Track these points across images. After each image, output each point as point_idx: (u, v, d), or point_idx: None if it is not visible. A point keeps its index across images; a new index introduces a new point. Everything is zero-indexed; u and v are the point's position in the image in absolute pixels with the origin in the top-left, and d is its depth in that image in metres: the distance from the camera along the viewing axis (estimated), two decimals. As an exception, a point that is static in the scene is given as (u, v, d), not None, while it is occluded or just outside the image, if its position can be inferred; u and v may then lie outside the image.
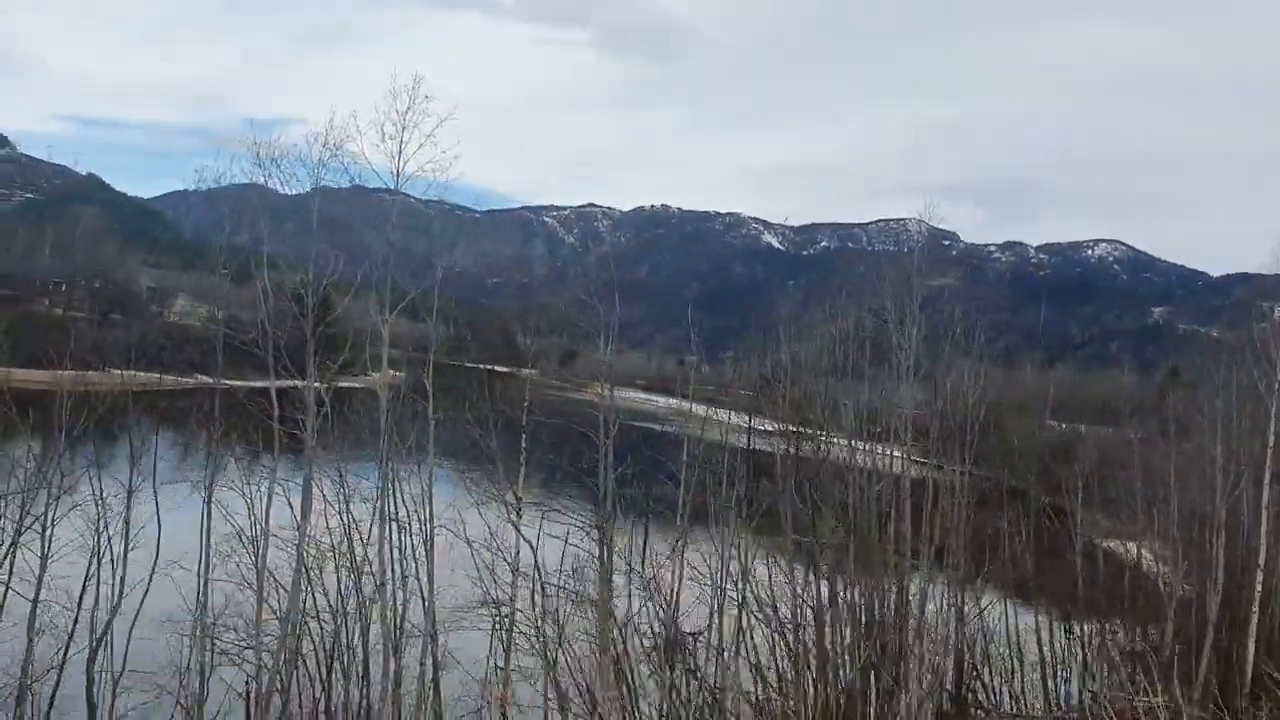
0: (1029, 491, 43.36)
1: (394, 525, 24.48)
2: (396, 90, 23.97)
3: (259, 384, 23.66)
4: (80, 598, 22.90)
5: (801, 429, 36.47)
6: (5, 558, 21.29)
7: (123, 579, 23.31)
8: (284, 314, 24.18)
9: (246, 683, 22.80)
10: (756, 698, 30.54)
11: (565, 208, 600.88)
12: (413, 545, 25.05)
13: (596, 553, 26.73)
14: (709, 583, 29.99)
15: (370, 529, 24.54)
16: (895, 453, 34.25)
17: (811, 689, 30.34)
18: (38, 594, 21.42)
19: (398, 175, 24.25)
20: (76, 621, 22.80)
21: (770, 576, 31.76)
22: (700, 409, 38.34)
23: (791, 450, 34.18)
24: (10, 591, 21.60)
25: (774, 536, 32.70)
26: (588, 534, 27.10)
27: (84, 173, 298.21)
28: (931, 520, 33.30)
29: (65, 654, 22.48)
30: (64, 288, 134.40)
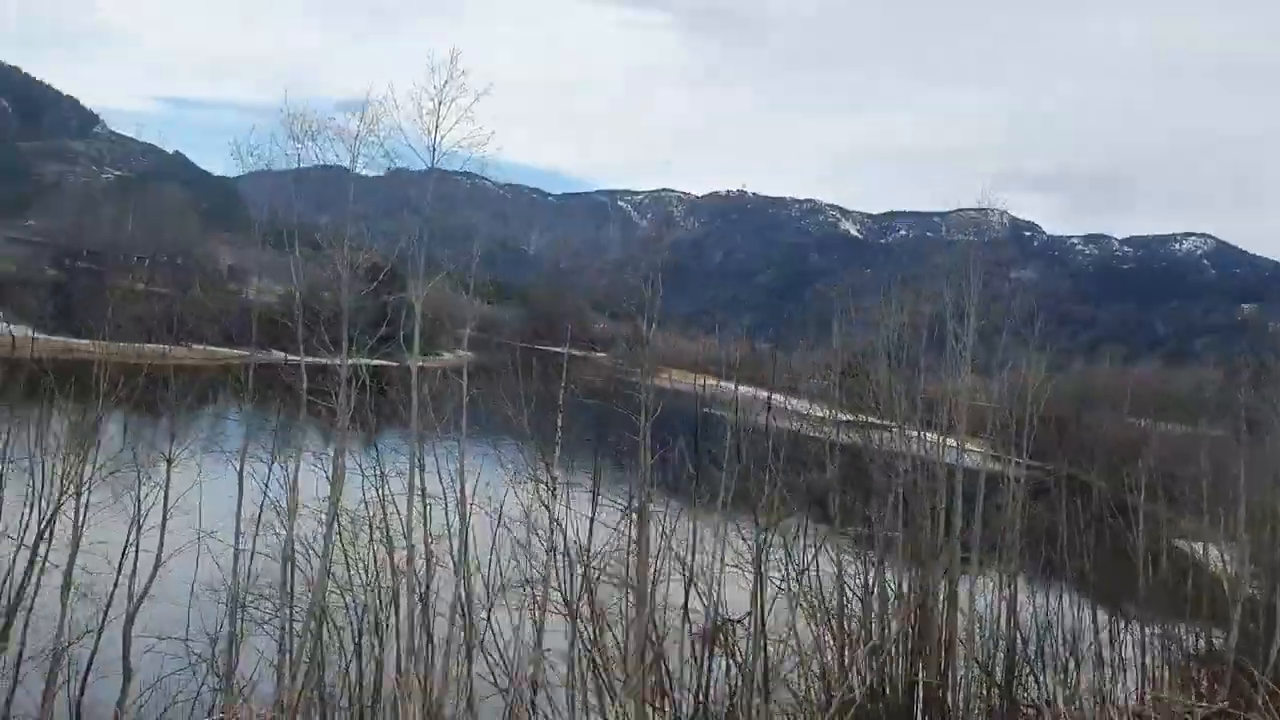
0: (1092, 487, 42.18)
1: (429, 501, 24.48)
2: (435, 65, 23.82)
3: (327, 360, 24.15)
4: (120, 564, 23.29)
5: (856, 416, 35.91)
6: (47, 525, 21.70)
7: (161, 546, 23.66)
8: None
9: (278, 651, 23.00)
10: (803, 686, 30.12)
11: (640, 192, 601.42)
12: (447, 521, 24.99)
13: (634, 535, 26.47)
14: (752, 568, 29.59)
15: (408, 504, 24.57)
16: (950, 442, 33.54)
17: (857, 678, 29.87)
18: (73, 559, 21.82)
19: (433, 151, 24.13)
20: (115, 586, 23.20)
21: (817, 564, 31.29)
22: (754, 393, 37.91)
23: (843, 437, 33.68)
24: (50, 557, 21.97)
25: (822, 524, 32.20)
26: (626, 515, 26.85)
27: (171, 151, 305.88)
28: (986, 512, 32.59)
29: (104, 618, 22.90)
30: (146, 264, 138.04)
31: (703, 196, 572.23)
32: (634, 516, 26.18)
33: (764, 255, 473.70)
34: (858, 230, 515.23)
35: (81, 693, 21.91)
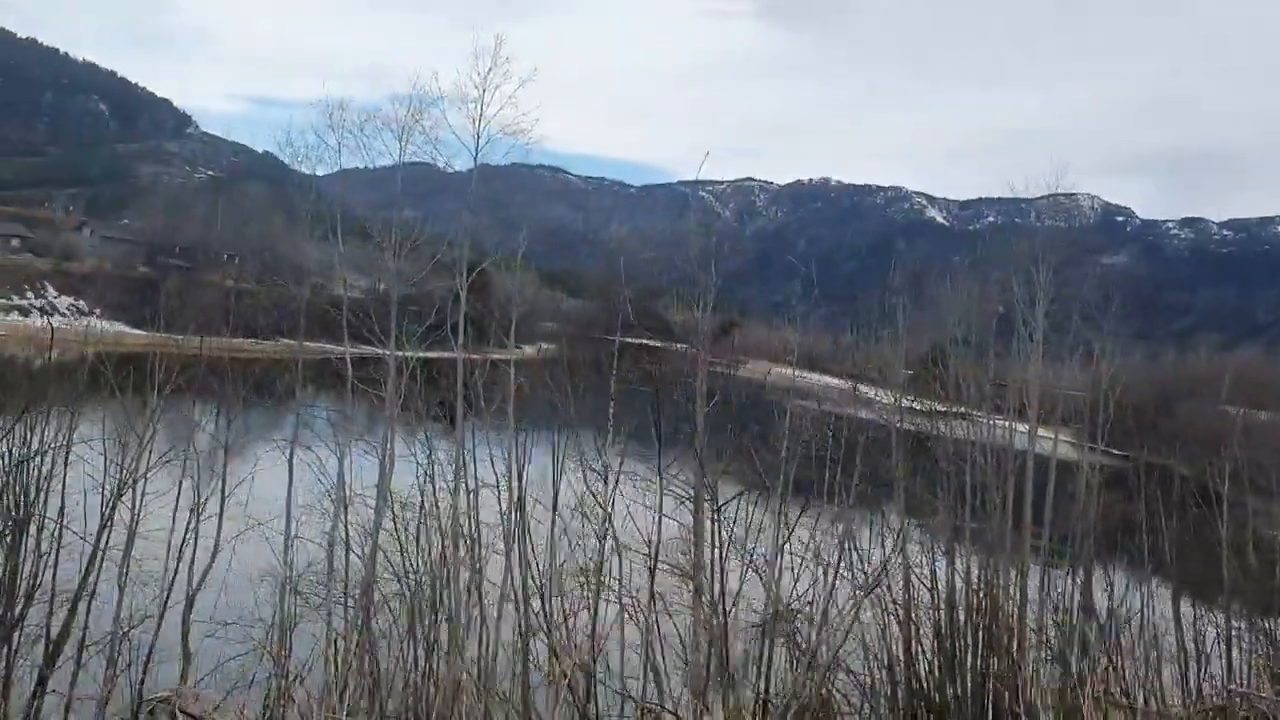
0: (1174, 475, 40.74)
1: (481, 490, 24.56)
2: (479, 51, 23.76)
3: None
4: (180, 550, 23.73)
5: (920, 401, 35.15)
6: (111, 509, 22.15)
7: (219, 532, 24.12)
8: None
9: (328, 638, 23.25)
10: (869, 676, 29.62)
11: (721, 182, 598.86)
12: (500, 510, 25.01)
13: (690, 523, 26.24)
14: (815, 558, 29.19)
15: (461, 493, 24.65)
16: (1020, 428, 32.68)
17: (924, 670, 29.31)
18: (129, 546, 22.29)
19: (477, 138, 24.11)
20: (175, 574, 23.65)
21: (884, 554, 30.72)
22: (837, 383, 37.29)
23: (909, 426, 32.96)
24: (114, 544, 22.44)
25: (886, 512, 31.60)
26: (683, 504, 26.62)
27: (260, 150, 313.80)
28: (1058, 500, 31.72)
29: (165, 603, 23.37)
30: (236, 260, 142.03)
31: (785, 185, 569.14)
32: (691, 504, 25.87)
33: (848, 244, 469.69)
34: (944, 217, 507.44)
35: (143, 677, 22.39)
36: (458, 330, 24.06)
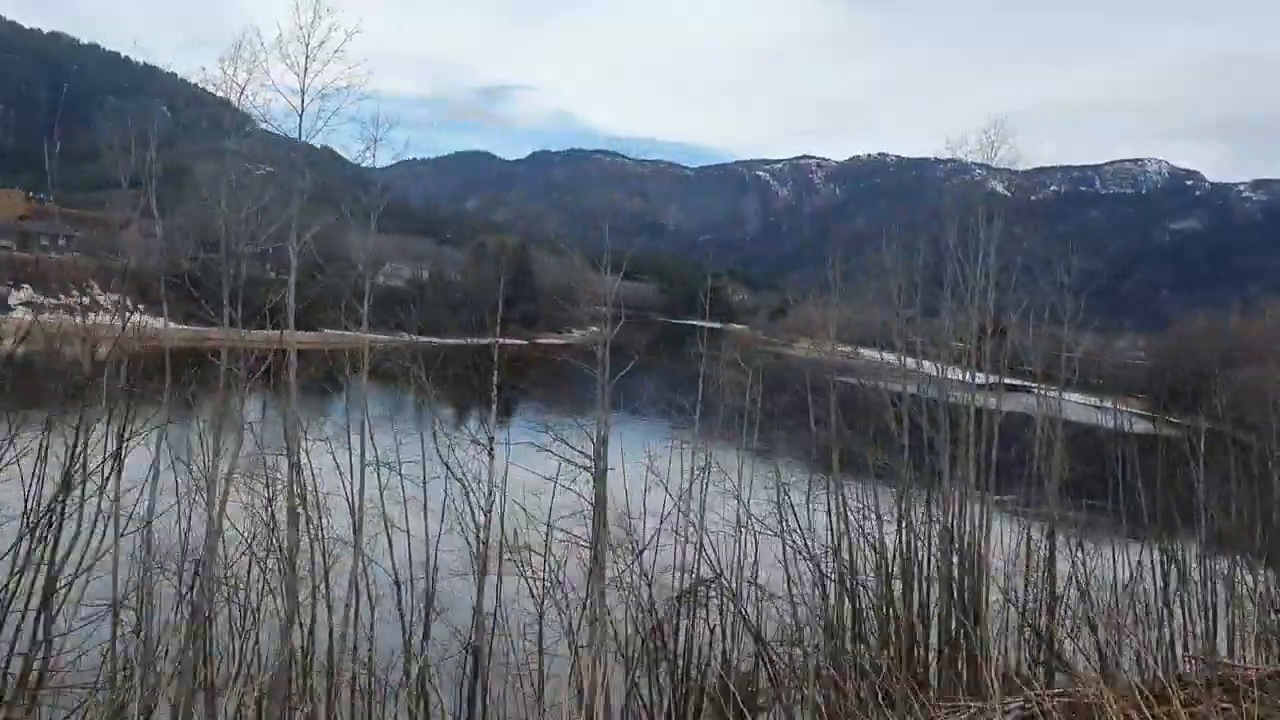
0: (1157, 429, 39.91)
1: (366, 471, 23.24)
2: (299, 4, 21.29)
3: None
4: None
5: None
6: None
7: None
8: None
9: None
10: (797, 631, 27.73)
11: (778, 160, 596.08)
12: (380, 489, 23.76)
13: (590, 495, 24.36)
14: (748, 518, 28.17)
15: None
16: (954, 374, 31.91)
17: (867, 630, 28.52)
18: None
19: (302, 95, 22.26)
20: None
21: (809, 512, 29.23)
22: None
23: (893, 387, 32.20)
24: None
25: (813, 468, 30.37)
26: (585, 472, 24.46)
27: (319, 145, 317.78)
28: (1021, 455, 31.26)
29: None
30: (271, 252, 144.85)
31: (843, 161, 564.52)
32: (593, 475, 24.05)
33: (907, 219, 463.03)
34: (1005, 188, 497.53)
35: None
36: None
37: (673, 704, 23.53)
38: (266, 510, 23.58)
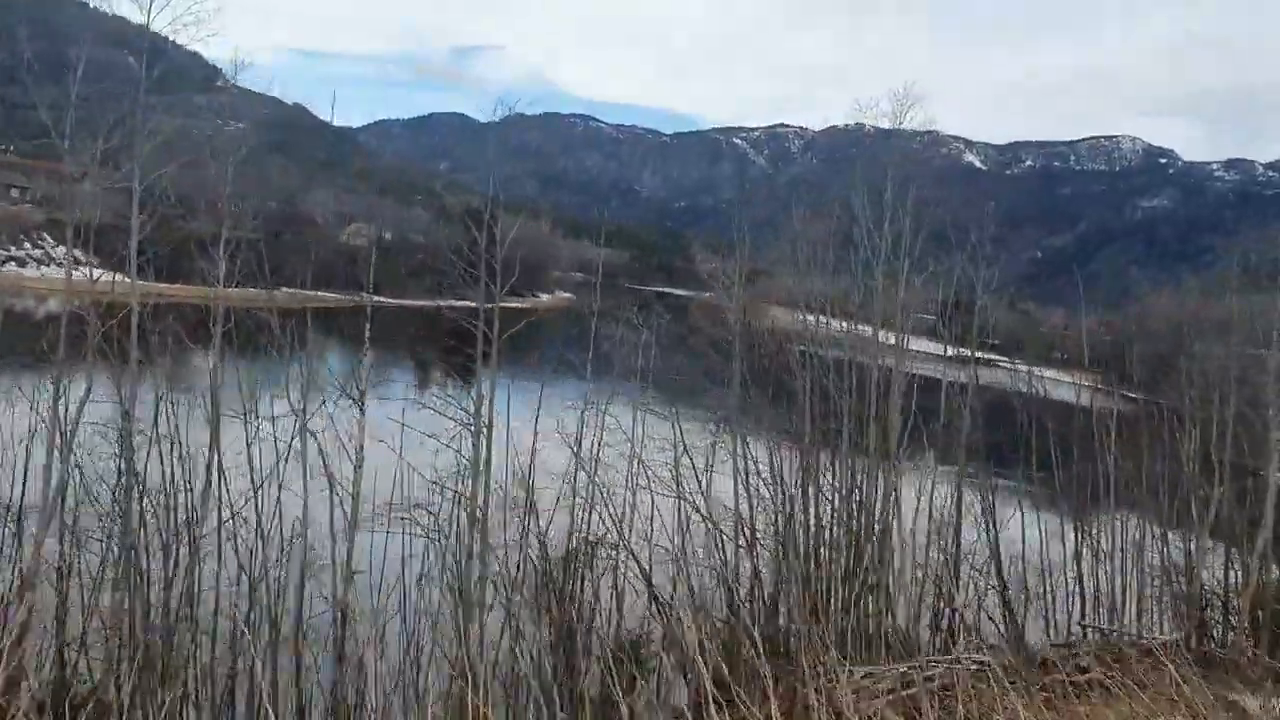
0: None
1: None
2: None
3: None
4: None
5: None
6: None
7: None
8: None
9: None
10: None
11: (755, 129, 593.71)
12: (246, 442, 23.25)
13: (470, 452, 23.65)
14: (646, 478, 27.94)
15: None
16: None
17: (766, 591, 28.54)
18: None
19: (149, 19, 21.37)
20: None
21: (709, 473, 29.15)
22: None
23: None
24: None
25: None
26: (466, 428, 23.78)
27: (291, 103, 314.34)
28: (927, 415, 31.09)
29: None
30: (235, 209, 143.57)
31: (820, 131, 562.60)
32: (480, 432, 23.40)
33: (883, 189, 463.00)
34: (981, 162, 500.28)
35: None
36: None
37: (563, 664, 23.35)
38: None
